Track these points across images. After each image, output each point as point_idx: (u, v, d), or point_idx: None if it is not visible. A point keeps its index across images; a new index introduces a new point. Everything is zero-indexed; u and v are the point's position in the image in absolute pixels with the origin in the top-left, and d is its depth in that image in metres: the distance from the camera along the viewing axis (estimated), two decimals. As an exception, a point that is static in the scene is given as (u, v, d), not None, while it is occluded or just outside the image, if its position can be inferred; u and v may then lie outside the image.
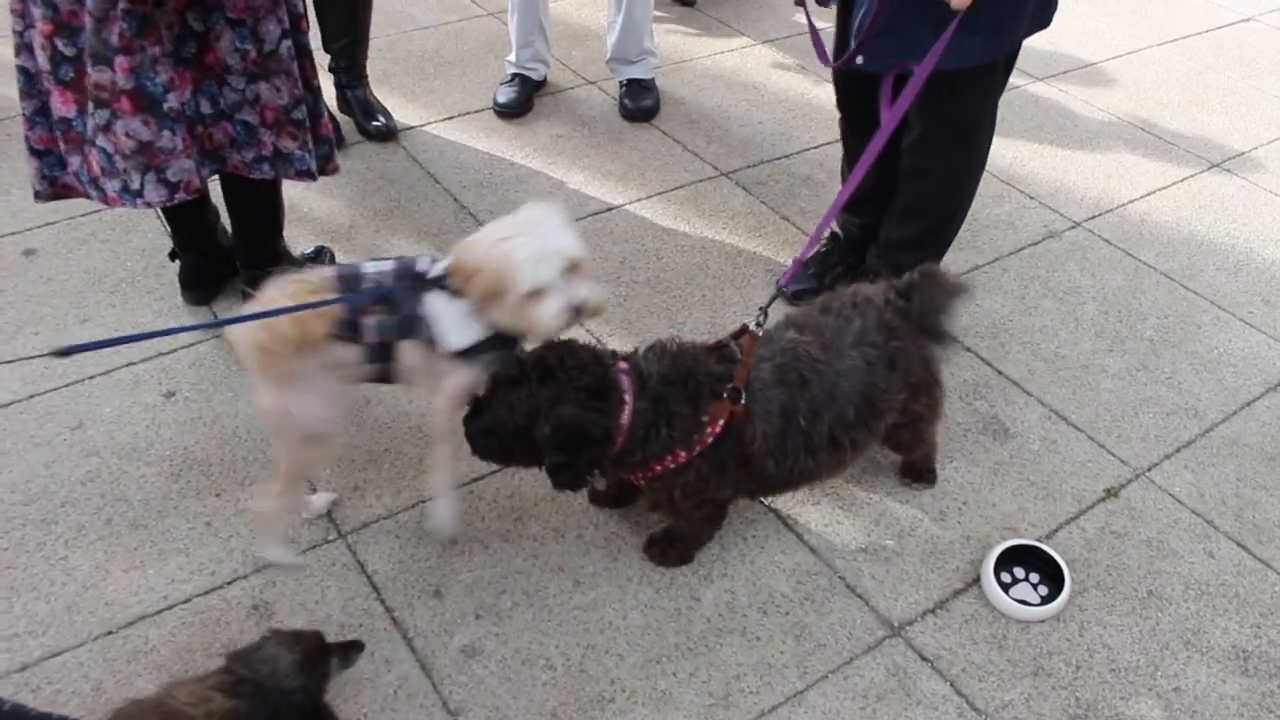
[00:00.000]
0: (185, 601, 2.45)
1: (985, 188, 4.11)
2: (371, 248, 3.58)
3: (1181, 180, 4.30)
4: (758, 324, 2.35)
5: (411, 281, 2.28)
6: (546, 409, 2.13)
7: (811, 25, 2.90)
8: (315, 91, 2.86)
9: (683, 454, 2.25)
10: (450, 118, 4.36)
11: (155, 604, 2.44)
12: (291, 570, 2.52)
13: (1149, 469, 2.95)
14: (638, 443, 2.22)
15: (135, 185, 2.69)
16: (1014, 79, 4.90)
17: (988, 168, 4.23)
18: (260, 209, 3.07)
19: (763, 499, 2.74)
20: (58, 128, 2.68)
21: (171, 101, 2.60)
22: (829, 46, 2.97)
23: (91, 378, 3.01)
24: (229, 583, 2.50)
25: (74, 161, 2.74)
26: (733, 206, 3.93)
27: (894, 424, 2.53)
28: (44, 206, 3.61)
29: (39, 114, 2.69)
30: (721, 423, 2.24)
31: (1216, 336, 3.46)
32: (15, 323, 3.19)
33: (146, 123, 2.60)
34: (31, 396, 2.94)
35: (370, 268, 2.32)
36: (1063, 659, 2.45)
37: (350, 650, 2.18)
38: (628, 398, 2.20)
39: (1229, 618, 2.57)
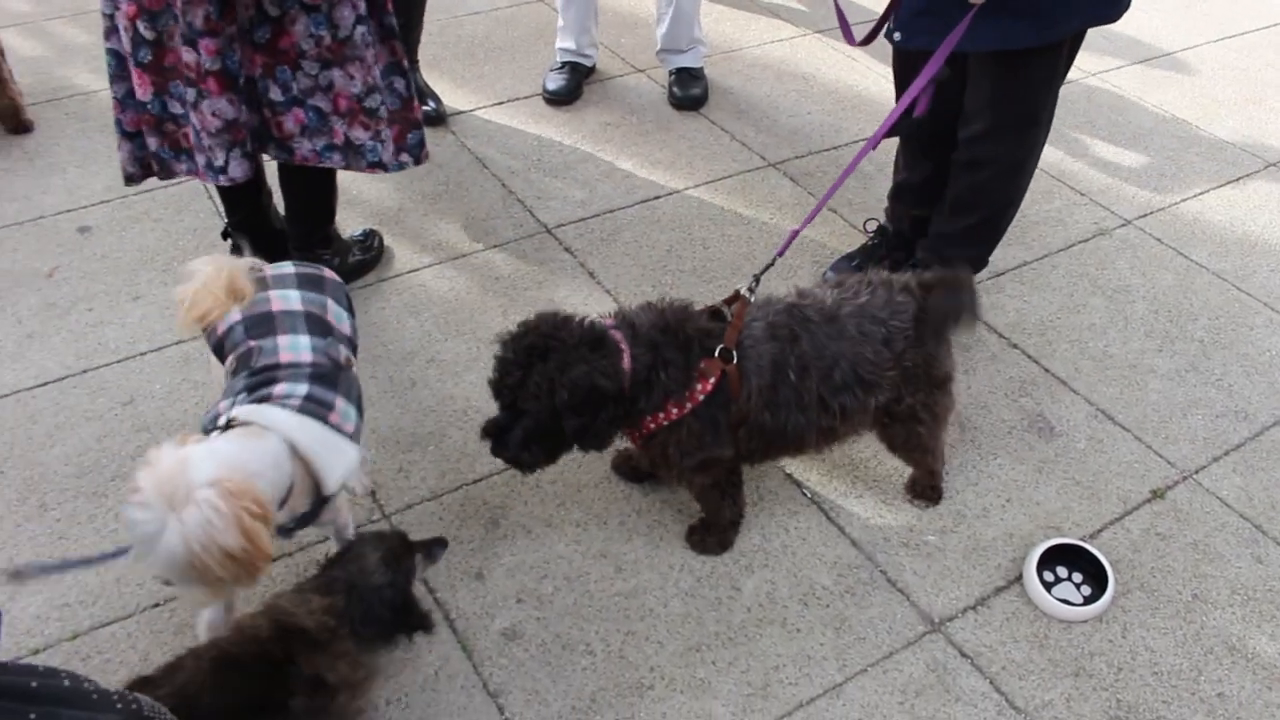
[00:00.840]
0: (231, 577, 2.49)
1: (1035, 183, 4.07)
2: (420, 231, 3.60)
3: (1237, 179, 4.24)
4: (749, 289, 2.39)
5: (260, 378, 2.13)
6: (560, 377, 2.15)
7: (837, 4, 2.95)
8: (406, 73, 2.88)
9: (674, 410, 2.27)
10: (499, 103, 4.37)
11: (202, 579, 2.47)
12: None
13: (1197, 471, 2.92)
14: (640, 389, 2.25)
15: (220, 162, 2.75)
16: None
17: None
18: (315, 194, 3.10)
19: (768, 461, 2.69)
20: (139, 111, 2.74)
21: (242, 79, 2.67)
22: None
23: (143, 354, 3.05)
24: (275, 558, 2.52)
25: (152, 142, 2.80)
26: (780, 197, 3.92)
27: (887, 411, 2.48)
28: (98, 184, 3.70)
29: (129, 96, 2.74)
30: (712, 380, 2.27)
31: (1269, 339, 3.41)
32: (70, 298, 3.24)
33: (231, 101, 2.66)
34: (85, 371, 2.99)
35: (283, 342, 2.15)
36: (1104, 660, 2.43)
37: (434, 546, 2.23)
38: (624, 346, 2.23)
39: (1276, 624, 2.54)
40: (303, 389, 2.06)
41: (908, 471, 2.82)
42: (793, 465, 2.83)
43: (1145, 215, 3.97)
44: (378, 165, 2.89)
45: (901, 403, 2.47)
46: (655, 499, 2.73)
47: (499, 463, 2.76)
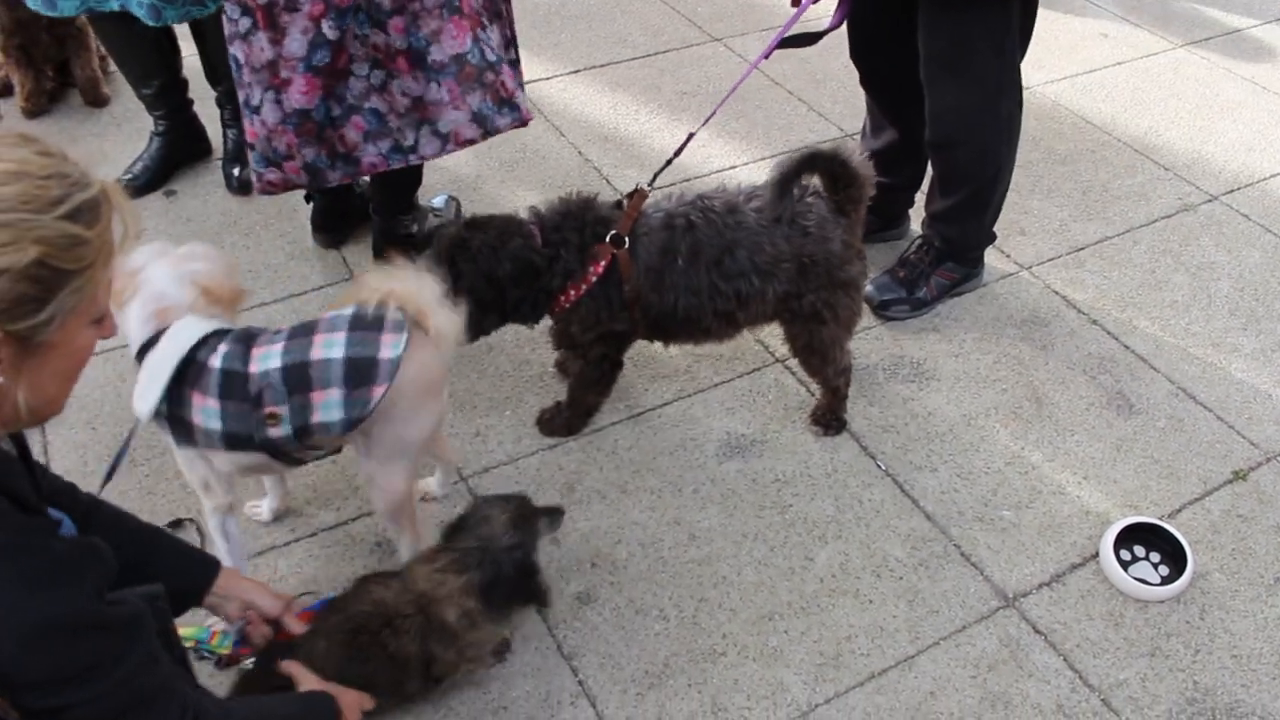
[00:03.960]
0: (311, 535, 2.54)
1: (1117, 157, 4.02)
2: (497, 198, 3.63)
3: (1328, 155, 4.13)
4: (649, 185, 2.55)
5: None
6: (500, 248, 2.42)
7: None
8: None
9: (573, 291, 2.49)
10: (576, 71, 4.38)
11: (284, 536, 2.54)
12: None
13: (1280, 453, 2.88)
14: (547, 270, 2.48)
15: (409, 142, 2.75)
16: (1152, 45, 4.76)
17: (1120, 136, 4.14)
18: None
19: (673, 342, 2.80)
20: (289, 121, 2.66)
21: (435, 54, 2.63)
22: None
23: (227, 315, 3.11)
24: (353, 519, 2.58)
25: (308, 154, 2.72)
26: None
27: (789, 307, 2.58)
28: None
29: (248, 104, 2.69)
30: (604, 264, 2.46)
31: (1359, 319, 3.33)
32: (157, 260, 3.31)
33: (416, 78, 2.66)
34: (172, 331, 3.05)
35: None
36: (1181, 641, 2.41)
37: (555, 514, 2.28)
38: (535, 230, 2.47)
39: (1360, 609, 2.50)
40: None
41: (984, 447, 2.81)
42: (867, 437, 2.83)
43: (1232, 191, 3.89)
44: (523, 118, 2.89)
45: (803, 298, 2.55)
46: (730, 468, 2.74)
47: (576, 428, 2.83)
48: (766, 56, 2.75)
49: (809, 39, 2.79)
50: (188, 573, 1.94)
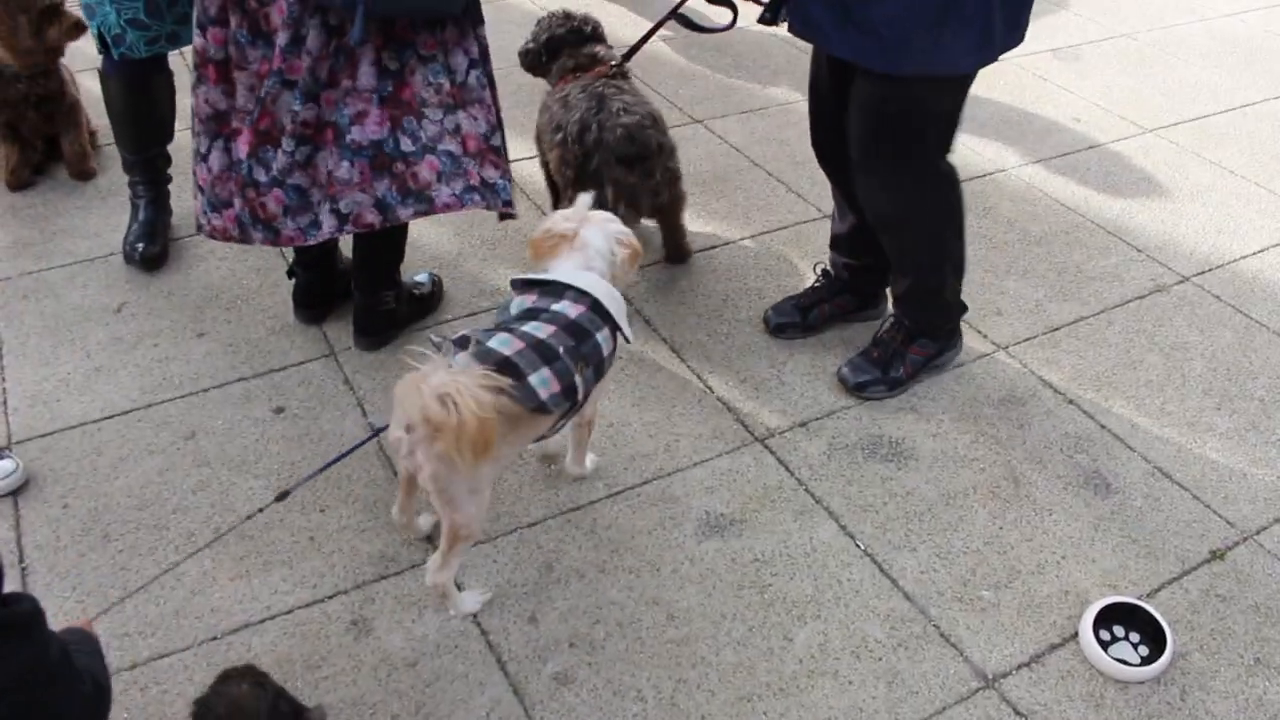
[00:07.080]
0: (287, 612, 2.51)
1: (1091, 239, 4.08)
2: (478, 275, 3.65)
3: (1297, 238, 4.21)
4: (614, 66, 3.54)
5: (591, 320, 2.39)
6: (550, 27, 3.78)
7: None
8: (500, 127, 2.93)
9: (561, 83, 3.63)
10: (557, 151, 4.43)
11: (258, 613, 2.51)
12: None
13: (1258, 532, 2.88)
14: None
15: (321, 219, 2.81)
16: (1123, 129, 4.86)
17: (1093, 218, 4.21)
18: (388, 238, 3.10)
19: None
20: (235, 169, 2.74)
21: (355, 134, 2.70)
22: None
23: (205, 390, 3.11)
24: (330, 597, 2.55)
25: (236, 204, 2.80)
26: (834, 248, 3.93)
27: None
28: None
29: (196, 152, 2.79)
30: (563, 83, 3.60)
31: (1331, 400, 3.37)
32: (136, 334, 3.31)
33: (332, 153, 2.72)
34: (149, 405, 3.05)
35: (530, 328, 2.30)
36: (1162, 723, 2.40)
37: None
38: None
39: (1339, 691, 2.49)
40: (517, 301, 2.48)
41: (963, 526, 2.82)
42: (846, 517, 2.83)
43: (1203, 272, 3.95)
44: (509, 205, 2.93)
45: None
46: (708, 547, 2.74)
47: (553, 506, 2.81)
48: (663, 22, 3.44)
49: (710, 30, 3.44)
50: None
